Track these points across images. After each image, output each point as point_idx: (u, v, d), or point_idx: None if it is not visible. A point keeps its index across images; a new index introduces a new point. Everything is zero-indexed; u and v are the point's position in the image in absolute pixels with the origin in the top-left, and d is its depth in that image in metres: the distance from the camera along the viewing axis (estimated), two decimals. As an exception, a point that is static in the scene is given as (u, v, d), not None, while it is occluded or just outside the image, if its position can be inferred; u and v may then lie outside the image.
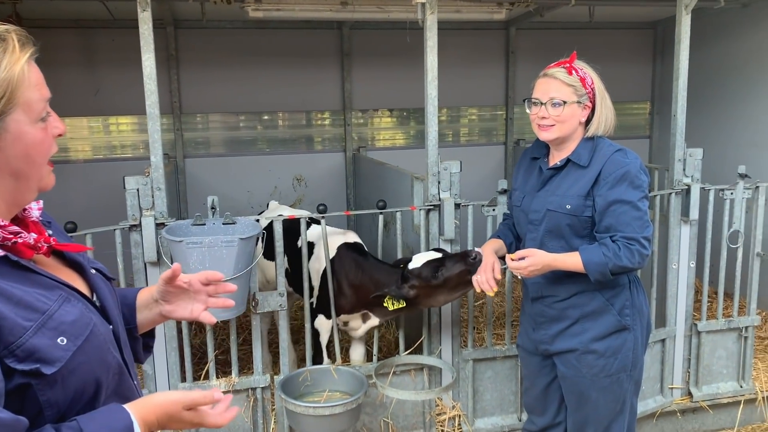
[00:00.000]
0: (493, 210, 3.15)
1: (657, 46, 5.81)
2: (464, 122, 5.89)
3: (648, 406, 3.48)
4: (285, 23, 4.88)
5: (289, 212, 3.33)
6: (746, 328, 3.64)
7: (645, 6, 4.80)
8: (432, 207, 3.11)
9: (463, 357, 3.24)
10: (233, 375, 3.00)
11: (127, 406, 1.10)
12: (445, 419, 3.23)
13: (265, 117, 5.37)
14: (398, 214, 3.12)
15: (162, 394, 1.17)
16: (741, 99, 4.86)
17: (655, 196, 3.42)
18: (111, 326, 1.21)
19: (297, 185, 5.35)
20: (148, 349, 1.47)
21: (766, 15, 4.55)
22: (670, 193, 3.43)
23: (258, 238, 2.74)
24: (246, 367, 3.38)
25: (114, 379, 1.16)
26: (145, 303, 1.42)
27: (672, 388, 3.57)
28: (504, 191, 3.12)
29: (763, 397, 3.66)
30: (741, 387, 3.65)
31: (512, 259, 2.27)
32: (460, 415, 3.25)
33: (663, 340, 3.52)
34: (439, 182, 3.11)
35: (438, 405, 3.26)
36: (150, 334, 1.47)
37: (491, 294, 2.46)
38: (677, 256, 3.49)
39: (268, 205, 4.17)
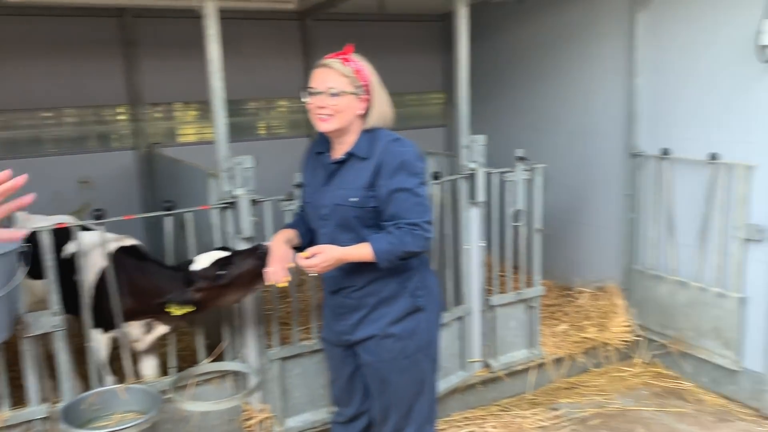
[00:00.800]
0: (291, 204, 3.09)
1: (446, 38, 6.11)
2: (275, 114, 5.78)
3: (451, 382, 3.66)
4: (54, 9, 4.39)
5: (48, 222, 2.93)
6: (533, 298, 3.97)
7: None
8: (226, 205, 2.97)
9: (270, 357, 3.15)
10: (3, 409, 2.63)
11: None
12: (254, 423, 3.12)
13: (44, 114, 4.81)
14: (191, 215, 2.94)
15: None
16: (520, 87, 5.28)
17: (444, 181, 3.56)
18: None
19: (83, 189, 4.86)
20: None
21: (539, 9, 4.97)
22: (457, 178, 3.61)
23: (20, 254, 2.41)
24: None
25: None
26: None
27: (472, 362, 3.78)
28: (300, 185, 3.06)
29: (550, 360, 4.02)
30: (532, 353, 3.98)
31: (305, 258, 2.24)
32: (269, 417, 3.15)
33: (461, 318, 3.71)
34: (233, 178, 2.97)
35: (246, 410, 3.14)
36: None
37: (283, 285, 2.41)
38: (468, 237, 3.69)
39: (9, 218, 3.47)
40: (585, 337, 4.18)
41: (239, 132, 5.61)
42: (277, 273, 2.38)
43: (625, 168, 4.32)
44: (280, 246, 2.44)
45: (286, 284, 2.40)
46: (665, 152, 4.01)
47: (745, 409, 3.70)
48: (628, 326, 4.26)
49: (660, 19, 3.99)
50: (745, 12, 3.46)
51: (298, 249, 2.41)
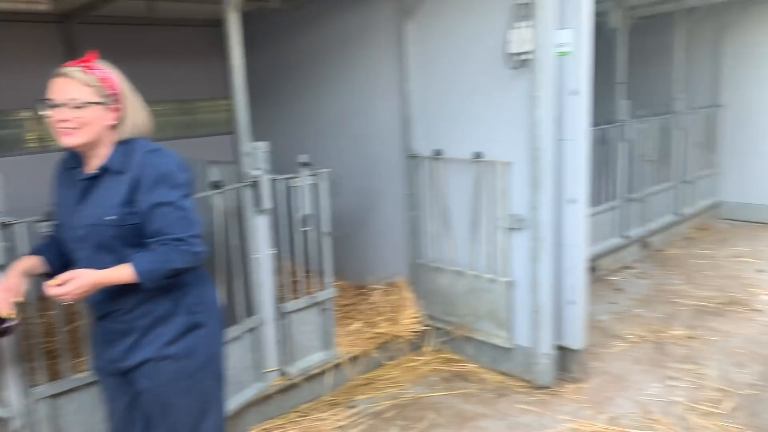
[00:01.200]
0: (50, 226, 2.80)
1: (225, 44, 5.99)
2: (47, 125, 5.23)
3: (247, 396, 3.58)
4: None
5: None
6: (325, 300, 4.02)
7: (199, 4, 4.87)
8: (-33, 231, 2.61)
9: (36, 396, 2.83)
10: None
11: None
12: (21, 473, 2.78)
13: None
14: None
15: None
16: (305, 94, 5.35)
17: (227, 190, 3.48)
18: None
19: None
20: None
21: (317, 16, 5.06)
22: (241, 187, 3.54)
23: None
24: None
25: None
26: None
27: (268, 372, 3.74)
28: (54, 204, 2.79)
29: (346, 359, 4.11)
30: (328, 355, 4.03)
31: (57, 285, 2.04)
32: (40, 463, 2.84)
33: (253, 329, 3.65)
34: (-26, 200, 2.62)
35: (10, 459, 2.79)
36: None
37: (7, 316, 2.19)
38: (256, 246, 3.64)
39: None
40: (378, 333, 4.34)
41: (4, 145, 5.07)
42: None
43: (404, 169, 4.56)
44: (12, 276, 2.23)
45: (12, 315, 2.19)
46: (437, 153, 4.30)
47: (519, 383, 4.09)
48: (417, 317, 4.51)
49: (425, 28, 4.27)
50: (496, 22, 3.82)
51: (50, 276, 2.19)
